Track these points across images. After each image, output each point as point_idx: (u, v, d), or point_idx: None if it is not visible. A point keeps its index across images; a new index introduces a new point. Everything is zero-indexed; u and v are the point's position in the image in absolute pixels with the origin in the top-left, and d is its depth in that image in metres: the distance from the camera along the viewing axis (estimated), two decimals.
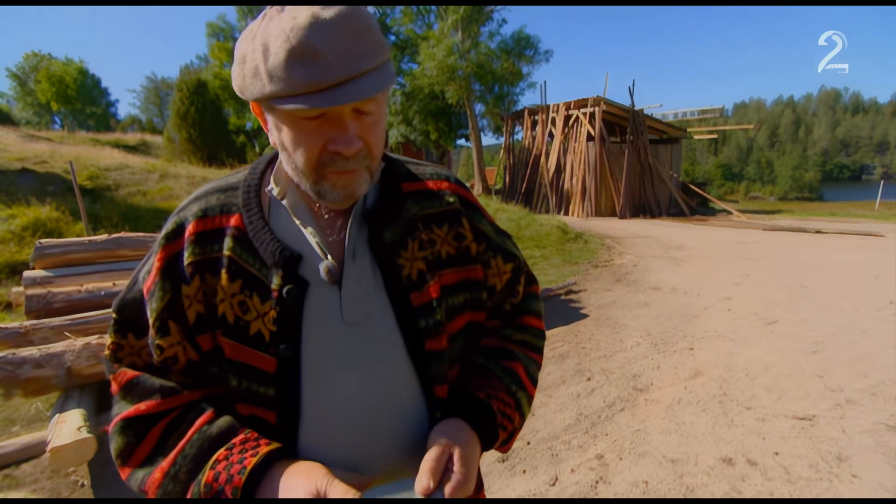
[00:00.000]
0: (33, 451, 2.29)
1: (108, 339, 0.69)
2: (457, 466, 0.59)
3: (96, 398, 2.66)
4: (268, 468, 0.58)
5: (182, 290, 0.64)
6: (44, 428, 2.57)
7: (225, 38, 23.95)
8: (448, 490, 0.58)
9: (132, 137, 28.31)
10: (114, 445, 0.64)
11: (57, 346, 2.51)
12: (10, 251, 5.77)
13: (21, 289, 3.62)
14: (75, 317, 2.81)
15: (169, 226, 0.67)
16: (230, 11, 24.89)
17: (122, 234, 3.72)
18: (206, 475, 0.58)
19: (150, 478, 0.61)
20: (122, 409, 0.64)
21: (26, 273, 3.25)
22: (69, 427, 2.20)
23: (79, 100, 35.05)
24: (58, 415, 2.35)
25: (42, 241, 3.41)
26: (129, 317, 0.68)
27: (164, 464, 0.60)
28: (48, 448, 2.08)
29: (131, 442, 0.63)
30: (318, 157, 0.59)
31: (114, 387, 0.67)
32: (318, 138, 0.58)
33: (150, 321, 0.65)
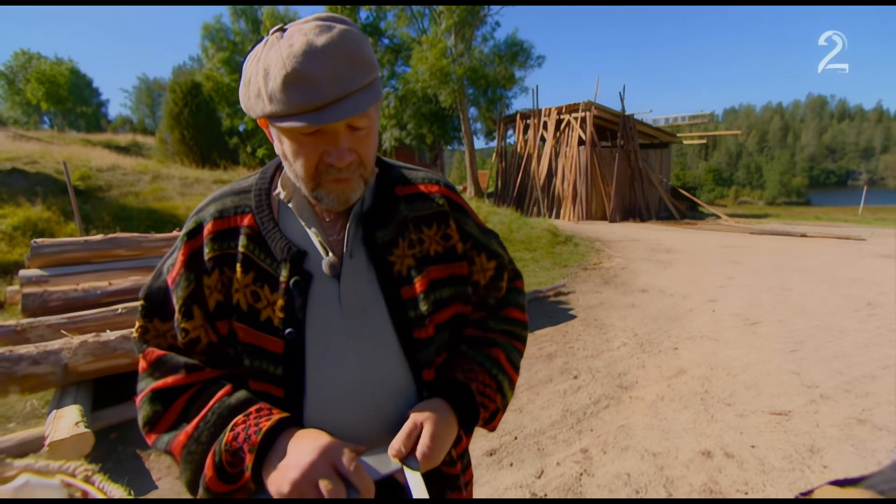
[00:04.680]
0: (30, 447, 2.33)
1: (136, 323, 0.77)
2: (425, 438, 0.68)
3: (92, 395, 2.70)
4: (280, 432, 0.66)
5: (204, 281, 0.72)
6: (39, 425, 2.60)
7: (219, 40, 23.90)
8: (418, 456, 0.67)
9: (123, 138, 28.11)
10: (142, 414, 0.72)
11: (54, 344, 2.55)
12: (1, 251, 5.76)
13: (17, 287, 3.65)
14: (72, 315, 2.85)
15: (189, 225, 0.75)
16: (225, 12, 24.91)
17: (118, 234, 3.76)
18: (226, 436, 0.66)
19: (175, 440, 0.69)
20: (151, 383, 0.72)
21: (22, 272, 3.28)
22: (67, 422, 2.25)
23: (70, 100, 34.70)
24: (55, 410, 2.39)
25: (38, 240, 3.44)
26: (154, 303, 0.76)
27: (189, 428, 0.68)
28: (47, 442, 2.12)
29: (159, 410, 0.71)
30: (314, 167, 0.67)
31: (142, 364, 0.74)
32: (314, 151, 0.66)
33: (177, 307, 0.73)
